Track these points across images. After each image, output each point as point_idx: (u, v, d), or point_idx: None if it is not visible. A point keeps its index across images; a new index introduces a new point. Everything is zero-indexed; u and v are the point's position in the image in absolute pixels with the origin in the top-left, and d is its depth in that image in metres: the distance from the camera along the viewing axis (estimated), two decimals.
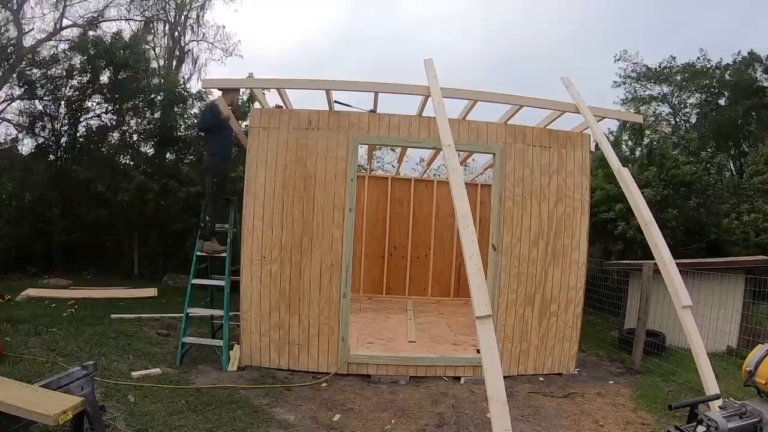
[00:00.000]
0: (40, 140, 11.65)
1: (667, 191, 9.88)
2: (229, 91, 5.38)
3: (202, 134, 4.40)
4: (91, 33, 12.15)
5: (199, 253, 5.40)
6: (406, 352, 5.47)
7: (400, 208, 9.55)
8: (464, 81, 5.37)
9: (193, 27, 16.92)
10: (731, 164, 18.71)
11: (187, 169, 10.74)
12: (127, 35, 12.21)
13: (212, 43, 17.23)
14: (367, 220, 9.39)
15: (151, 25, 15.37)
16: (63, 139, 11.61)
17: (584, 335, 6.17)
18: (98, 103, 11.65)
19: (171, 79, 12.41)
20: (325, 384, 4.91)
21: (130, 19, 14.86)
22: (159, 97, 11.58)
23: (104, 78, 11.21)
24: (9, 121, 11.95)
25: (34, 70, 10.95)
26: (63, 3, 13.36)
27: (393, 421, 4.10)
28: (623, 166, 4.63)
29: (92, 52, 10.74)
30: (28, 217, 10.77)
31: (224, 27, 17.54)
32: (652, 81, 20.48)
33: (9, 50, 10.96)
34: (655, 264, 6.37)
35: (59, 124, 11.51)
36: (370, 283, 9.39)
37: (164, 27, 16.27)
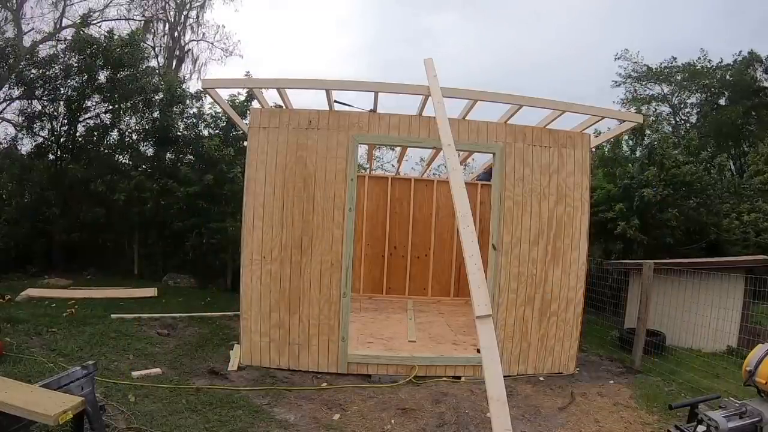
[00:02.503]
0: (39, 140, 11.64)
1: (668, 191, 9.88)
2: None
3: None
4: (86, 31, 12.08)
5: None
6: (406, 351, 5.48)
7: (400, 208, 9.54)
8: (466, 82, 5.36)
9: (192, 27, 16.99)
10: (731, 164, 18.70)
11: (186, 169, 10.73)
12: (124, 33, 12.15)
13: (212, 43, 17.30)
14: (367, 219, 9.39)
15: (150, 25, 15.39)
16: (62, 139, 11.60)
17: (584, 335, 6.17)
18: (97, 103, 11.64)
19: (170, 78, 12.39)
20: (325, 384, 4.91)
21: (130, 19, 14.90)
22: (158, 97, 11.57)
23: (102, 77, 11.19)
24: (8, 120, 11.96)
25: (33, 70, 10.93)
26: (63, 3, 13.38)
27: (393, 421, 4.10)
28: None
29: (88, 51, 10.71)
30: (27, 216, 10.76)
31: (224, 27, 17.60)
32: (652, 81, 20.50)
33: (8, 50, 10.94)
34: (656, 264, 6.42)
35: (58, 124, 11.49)
36: (370, 283, 9.39)
37: (164, 27, 16.33)
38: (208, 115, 11.53)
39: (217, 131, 11.28)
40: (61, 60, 10.96)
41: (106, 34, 11.75)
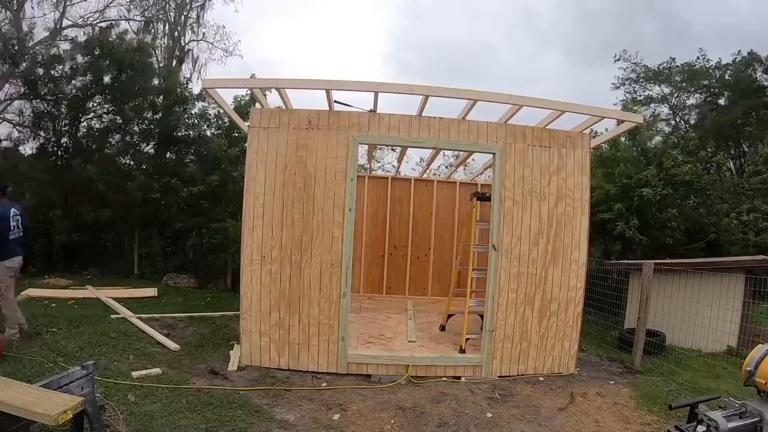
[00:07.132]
0: (42, 140, 11.64)
1: (667, 191, 9.88)
2: None
3: None
4: (97, 34, 12.12)
5: None
6: (405, 351, 5.48)
7: (400, 208, 9.55)
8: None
9: (193, 27, 16.96)
10: (731, 164, 18.70)
11: (193, 167, 10.75)
12: (131, 36, 12.23)
13: (212, 43, 17.28)
14: (367, 219, 9.39)
15: (150, 25, 15.37)
16: (64, 139, 11.61)
17: (584, 335, 6.17)
18: (99, 104, 11.64)
19: (172, 79, 12.41)
20: (324, 384, 4.91)
21: (130, 19, 14.87)
22: (160, 98, 11.58)
23: (107, 79, 11.20)
24: (10, 121, 11.95)
25: (36, 70, 10.94)
26: (63, 3, 13.37)
27: (393, 421, 4.10)
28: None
29: (97, 53, 10.74)
30: (28, 217, 10.74)
31: (224, 27, 17.59)
32: (651, 81, 20.48)
33: (9, 50, 10.93)
34: (656, 264, 6.42)
35: (61, 124, 11.50)
36: (370, 283, 9.39)
37: (164, 27, 16.29)
38: (211, 114, 11.55)
39: (219, 131, 11.30)
40: (66, 60, 10.99)
41: (117, 35, 11.81)
